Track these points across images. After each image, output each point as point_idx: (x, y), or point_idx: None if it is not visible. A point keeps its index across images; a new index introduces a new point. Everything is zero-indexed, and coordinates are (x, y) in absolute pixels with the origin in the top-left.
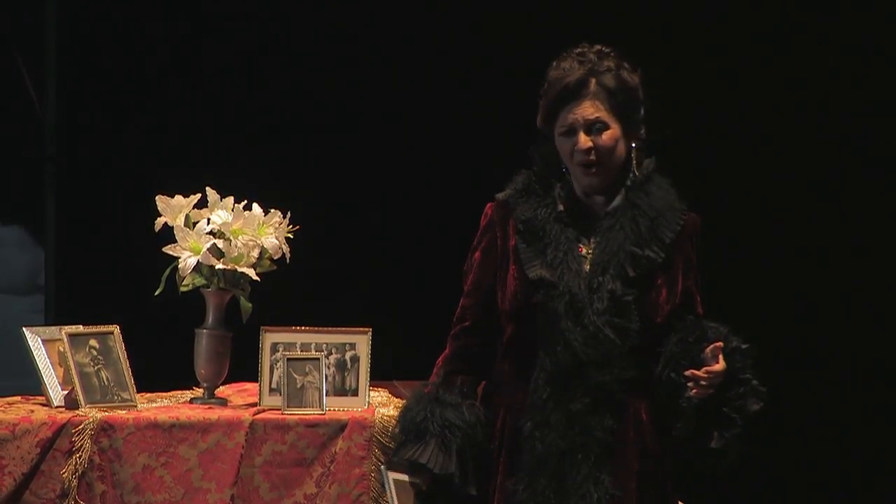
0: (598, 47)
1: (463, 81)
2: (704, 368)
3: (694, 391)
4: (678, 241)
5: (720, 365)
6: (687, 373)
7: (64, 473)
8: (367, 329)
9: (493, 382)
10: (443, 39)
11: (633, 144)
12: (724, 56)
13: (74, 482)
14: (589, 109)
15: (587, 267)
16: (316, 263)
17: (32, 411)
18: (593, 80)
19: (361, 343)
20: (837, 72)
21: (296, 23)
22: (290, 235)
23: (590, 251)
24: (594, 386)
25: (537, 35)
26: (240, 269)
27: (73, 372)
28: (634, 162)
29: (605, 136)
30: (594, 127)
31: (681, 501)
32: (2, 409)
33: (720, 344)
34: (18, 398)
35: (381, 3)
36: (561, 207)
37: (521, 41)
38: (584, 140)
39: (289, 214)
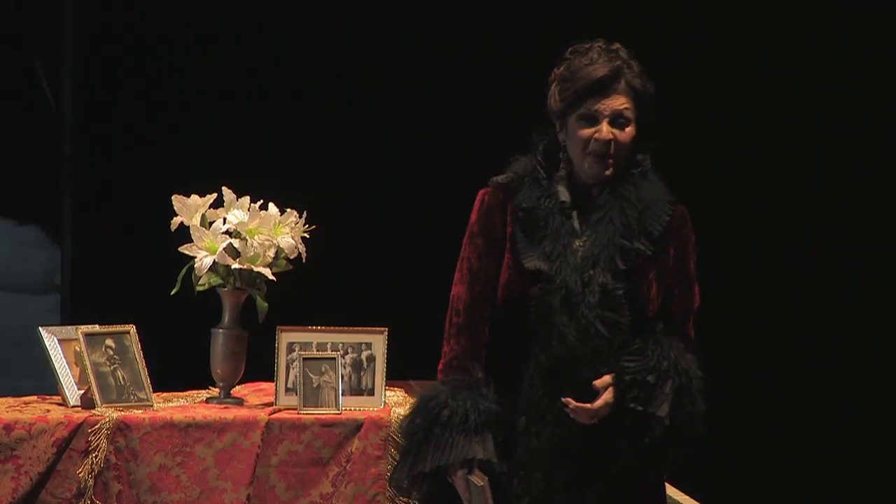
0: (619, 45)
1: (481, 80)
2: (574, 405)
3: (573, 415)
4: (668, 234)
5: (598, 402)
6: (563, 399)
7: (80, 473)
8: (383, 329)
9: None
10: (462, 36)
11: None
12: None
13: (90, 482)
14: (619, 101)
15: (580, 260)
16: (332, 263)
17: (49, 411)
18: (623, 79)
19: (378, 343)
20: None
21: (313, 20)
22: (306, 235)
23: (582, 244)
24: (582, 382)
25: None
26: (256, 269)
27: (90, 371)
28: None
29: (626, 132)
30: (619, 120)
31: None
32: (18, 408)
33: (606, 379)
34: (35, 398)
35: (398, 1)
36: (564, 198)
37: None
38: (606, 130)
39: (305, 214)
